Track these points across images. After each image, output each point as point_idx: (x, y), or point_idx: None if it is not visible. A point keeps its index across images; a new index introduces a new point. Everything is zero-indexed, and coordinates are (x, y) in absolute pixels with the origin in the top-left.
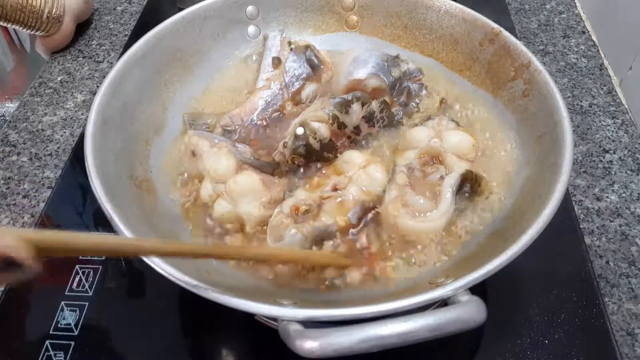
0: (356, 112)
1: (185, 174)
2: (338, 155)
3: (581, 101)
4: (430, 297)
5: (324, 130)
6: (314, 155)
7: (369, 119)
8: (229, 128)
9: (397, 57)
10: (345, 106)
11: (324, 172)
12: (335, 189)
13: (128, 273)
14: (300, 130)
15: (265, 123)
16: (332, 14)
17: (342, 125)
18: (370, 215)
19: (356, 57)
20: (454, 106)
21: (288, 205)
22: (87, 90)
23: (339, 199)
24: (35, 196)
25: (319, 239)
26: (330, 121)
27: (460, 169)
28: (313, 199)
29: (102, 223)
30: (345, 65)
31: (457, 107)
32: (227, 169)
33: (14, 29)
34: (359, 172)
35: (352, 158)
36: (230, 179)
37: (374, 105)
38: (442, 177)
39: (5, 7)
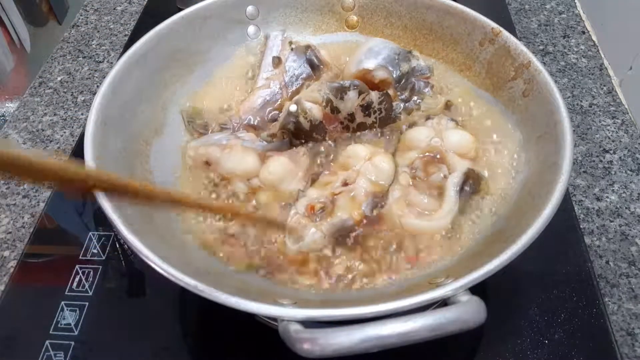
0: (352, 99)
1: (189, 174)
2: (327, 138)
3: (581, 101)
4: (430, 297)
5: (315, 111)
6: (303, 134)
7: (366, 108)
8: (227, 126)
9: (410, 52)
10: (341, 92)
11: (329, 171)
12: (345, 184)
13: (128, 273)
14: (293, 107)
15: (263, 122)
16: (332, 14)
17: (335, 110)
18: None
19: (371, 47)
20: (454, 106)
21: (302, 205)
22: (87, 90)
23: (351, 194)
24: (35, 196)
25: (337, 234)
26: (324, 104)
27: (462, 167)
28: (325, 196)
29: (102, 223)
30: (359, 53)
31: (457, 107)
32: (253, 164)
33: (14, 29)
34: (366, 164)
35: (356, 152)
36: (261, 171)
37: (373, 95)
38: (445, 177)
39: None
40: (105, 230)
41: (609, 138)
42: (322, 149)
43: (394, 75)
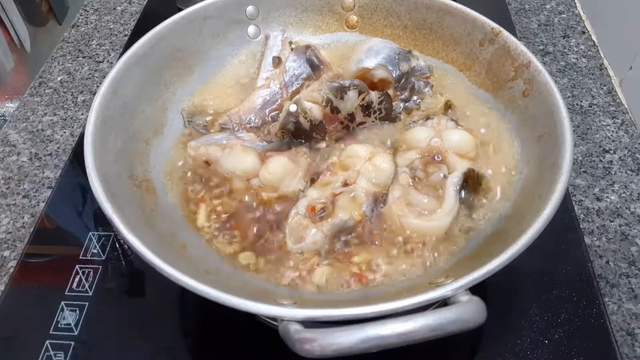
0: (351, 99)
1: (189, 174)
2: (327, 138)
3: (581, 101)
4: (430, 297)
5: (316, 111)
6: (303, 134)
7: (366, 108)
8: (227, 126)
9: (409, 52)
10: (341, 91)
11: (329, 171)
12: (345, 184)
13: (128, 273)
14: (292, 108)
15: (263, 122)
16: (332, 14)
17: (335, 110)
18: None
19: (371, 46)
20: (454, 106)
21: (303, 205)
22: (87, 90)
23: (352, 194)
24: (35, 196)
25: (338, 235)
26: (324, 104)
27: (462, 167)
28: (326, 197)
29: (102, 223)
30: (358, 53)
31: (457, 107)
32: (253, 164)
33: (14, 29)
34: (366, 164)
35: (356, 152)
36: (260, 171)
37: (373, 95)
38: (444, 177)
39: None
40: (105, 230)
41: (609, 138)
42: (322, 149)
43: (394, 75)
